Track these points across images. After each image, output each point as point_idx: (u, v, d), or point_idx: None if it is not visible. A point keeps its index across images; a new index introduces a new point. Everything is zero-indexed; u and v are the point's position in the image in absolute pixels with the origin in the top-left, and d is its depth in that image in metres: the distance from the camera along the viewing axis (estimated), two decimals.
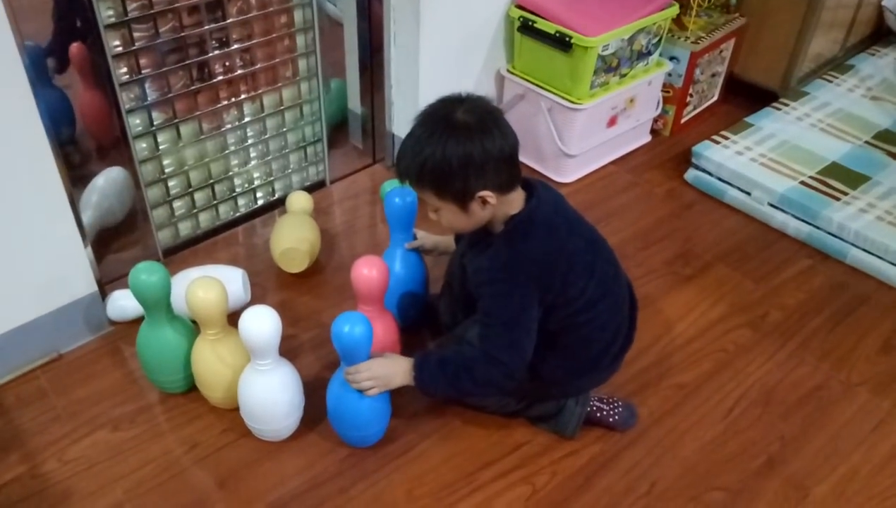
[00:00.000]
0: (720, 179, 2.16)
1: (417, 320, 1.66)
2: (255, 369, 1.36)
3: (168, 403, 1.53)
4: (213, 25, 1.69)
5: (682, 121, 2.44)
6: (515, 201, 1.29)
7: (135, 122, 1.67)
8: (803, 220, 2.02)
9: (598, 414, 1.50)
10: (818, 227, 1.99)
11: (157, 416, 1.51)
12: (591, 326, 1.37)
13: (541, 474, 1.44)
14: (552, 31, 2.02)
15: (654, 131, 2.43)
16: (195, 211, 1.89)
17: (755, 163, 2.15)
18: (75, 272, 1.57)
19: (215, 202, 1.92)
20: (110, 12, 1.52)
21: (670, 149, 2.36)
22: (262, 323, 1.30)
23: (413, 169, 1.24)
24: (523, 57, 2.15)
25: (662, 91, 2.34)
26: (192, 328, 1.48)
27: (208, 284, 1.36)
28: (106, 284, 1.68)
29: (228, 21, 1.71)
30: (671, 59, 2.30)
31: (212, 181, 1.88)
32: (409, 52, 1.98)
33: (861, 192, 2.06)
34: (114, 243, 1.86)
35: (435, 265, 1.69)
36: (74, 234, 1.53)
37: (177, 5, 1.61)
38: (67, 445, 1.45)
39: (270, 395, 1.37)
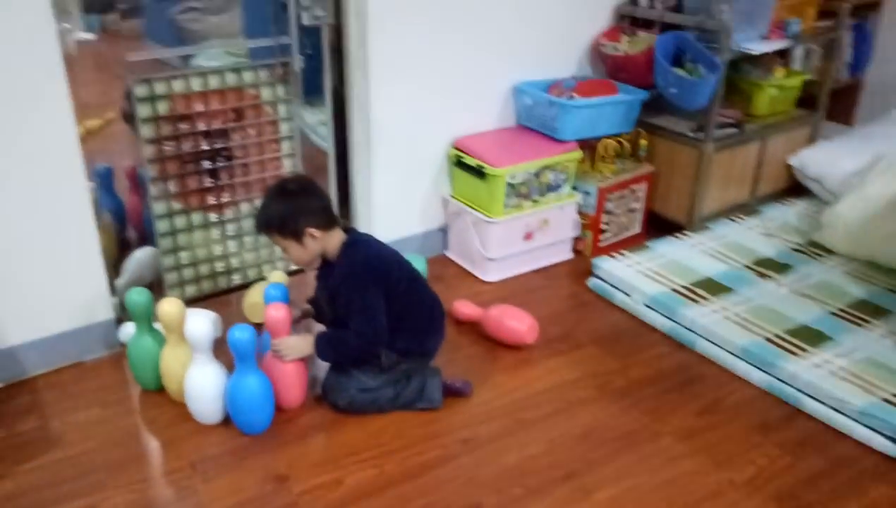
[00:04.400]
0: (611, 285, 2.70)
1: None
2: (194, 360, 1.98)
3: (143, 396, 2.16)
4: (219, 145, 2.46)
5: (602, 245, 3.02)
6: (338, 237, 2.03)
7: (158, 207, 2.42)
8: (666, 317, 2.51)
9: (448, 384, 2.16)
10: (677, 322, 2.48)
11: (133, 403, 2.14)
12: (416, 302, 2.09)
13: (390, 462, 1.95)
14: (474, 164, 2.70)
15: (577, 251, 3.01)
16: (199, 278, 2.59)
17: (640, 273, 2.69)
18: (102, 306, 2.27)
19: (214, 273, 2.62)
20: (150, 133, 2.32)
21: (586, 266, 2.91)
22: (199, 323, 1.94)
23: (262, 223, 2.02)
24: (459, 184, 2.84)
25: (581, 218, 2.94)
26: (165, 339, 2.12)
27: (171, 301, 2.03)
28: (124, 320, 2.37)
29: (231, 144, 2.48)
30: (585, 193, 2.92)
31: (212, 257, 2.59)
32: (363, 176, 2.70)
33: (718, 299, 2.55)
34: None
35: None
36: (104, 284, 2.28)
37: (195, 130, 2.40)
38: (70, 414, 2.09)
39: (199, 380, 1.98)
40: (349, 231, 2.09)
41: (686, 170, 2.98)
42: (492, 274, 2.80)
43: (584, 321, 2.59)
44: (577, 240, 3.00)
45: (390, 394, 2.09)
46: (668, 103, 2.91)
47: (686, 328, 2.46)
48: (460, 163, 2.77)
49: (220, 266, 2.63)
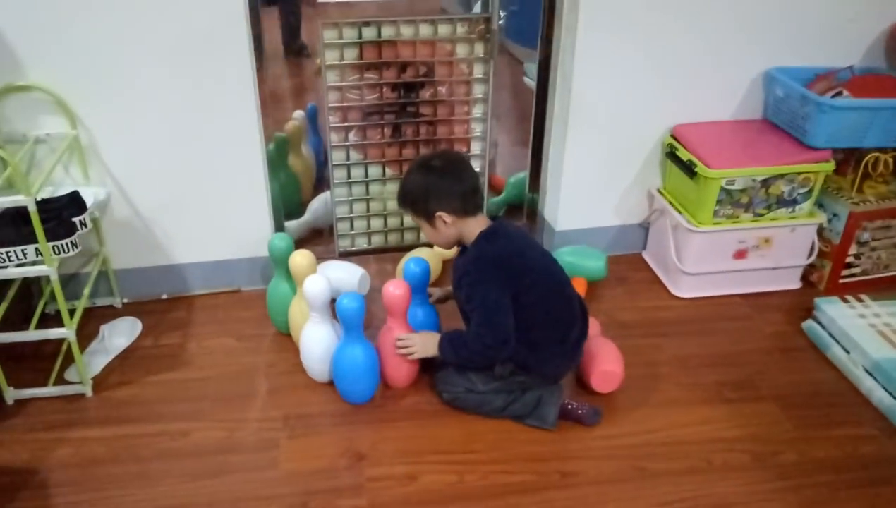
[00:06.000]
0: (830, 334, 2.15)
1: None
2: (310, 318, 1.94)
3: (274, 337, 2.18)
4: (405, 100, 2.37)
5: (843, 281, 2.42)
6: (477, 224, 1.81)
7: (337, 155, 2.41)
8: (888, 391, 1.93)
9: (569, 406, 1.86)
10: None
11: (264, 343, 2.17)
12: (549, 316, 1.80)
13: (473, 473, 1.75)
14: (685, 159, 2.29)
15: (809, 282, 2.45)
16: (370, 231, 2.55)
17: (872, 328, 2.10)
18: (264, 242, 2.31)
19: (385, 229, 2.57)
20: (336, 79, 2.29)
21: (812, 303, 2.35)
22: (315, 282, 1.88)
23: (399, 196, 1.85)
24: (671, 179, 2.44)
25: (822, 244, 2.38)
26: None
27: (303, 253, 2.00)
28: None
29: (418, 100, 2.37)
30: (833, 215, 2.34)
31: (385, 213, 2.53)
32: (557, 153, 2.43)
33: None
34: (313, 238, 2.62)
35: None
36: (268, 222, 2.33)
37: (382, 81, 2.33)
38: (207, 338, 2.19)
39: (310, 338, 1.93)
40: (496, 219, 1.88)
41: None
42: (684, 290, 2.39)
43: (777, 369, 2.09)
44: (811, 268, 2.44)
45: (499, 404, 1.87)
46: None
47: None
48: (673, 155, 2.37)
49: (392, 223, 2.57)
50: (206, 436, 1.84)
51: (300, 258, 2.00)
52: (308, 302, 1.91)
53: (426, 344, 1.89)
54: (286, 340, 2.15)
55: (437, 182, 1.79)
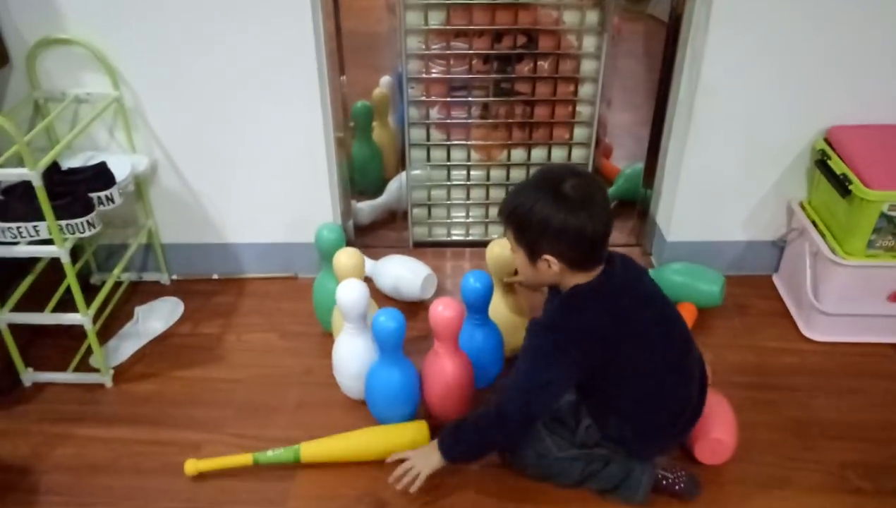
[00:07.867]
0: None
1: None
2: (345, 328, 1.66)
3: (319, 339, 1.93)
4: (498, 75, 2.01)
5: None
6: (580, 279, 1.37)
7: (415, 134, 2.09)
8: None
9: (665, 482, 1.49)
10: None
11: (307, 344, 1.92)
12: (656, 394, 1.42)
13: None
14: (839, 172, 1.80)
15: None
16: (449, 221, 2.23)
17: None
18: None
19: (468, 221, 2.24)
20: (418, 45, 1.97)
21: None
22: (349, 289, 1.59)
23: (506, 208, 1.40)
24: (818, 193, 1.95)
25: None
26: None
27: (350, 252, 1.72)
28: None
29: (514, 75, 2.01)
30: None
31: (468, 203, 2.20)
32: (676, 151, 2.00)
33: None
34: (388, 223, 2.34)
35: None
36: (328, 205, 2.05)
37: (472, 51, 1.98)
38: (249, 331, 1.97)
39: (344, 350, 1.66)
40: (609, 264, 1.40)
41: None
42: (818, 332, 1.92)
43: None
44: None
45: (574, 475, 1.50)
46: None
47: None
48: (823, 164, 1.88)
49: (475, 214, 2.24)
50: (217, 454, 1.61)
51: (345, 258, 1.72)
52: (341, 311, 1.63)
53: (427, 456, 1.46)
54: (331, 343, 1.88)
55: (564, 220, 1.30)
